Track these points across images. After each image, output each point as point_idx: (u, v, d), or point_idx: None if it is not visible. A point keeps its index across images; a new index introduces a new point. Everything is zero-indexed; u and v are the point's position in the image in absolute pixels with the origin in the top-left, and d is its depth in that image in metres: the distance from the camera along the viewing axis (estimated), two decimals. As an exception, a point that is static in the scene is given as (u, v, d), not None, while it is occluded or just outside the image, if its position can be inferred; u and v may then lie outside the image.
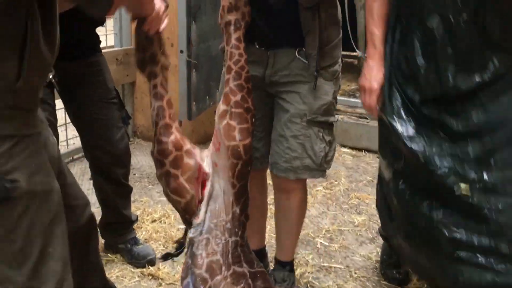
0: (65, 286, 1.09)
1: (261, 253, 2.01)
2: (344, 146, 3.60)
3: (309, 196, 2.80)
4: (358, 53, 4.90)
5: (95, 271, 1.54)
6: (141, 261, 2.07)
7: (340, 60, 1.70)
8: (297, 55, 1.60)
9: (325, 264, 2.18)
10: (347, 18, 4.65)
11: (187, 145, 1.46)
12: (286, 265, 1.92)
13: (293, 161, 1.68)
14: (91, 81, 1.89)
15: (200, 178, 1.49)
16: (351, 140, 3.61)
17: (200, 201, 1.47)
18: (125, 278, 2.01)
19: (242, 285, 1.42)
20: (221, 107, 1.46)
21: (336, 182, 3.02)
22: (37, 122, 1.11)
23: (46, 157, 1.11)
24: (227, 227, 1.46)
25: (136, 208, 2.52)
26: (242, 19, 1.48)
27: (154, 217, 2.47)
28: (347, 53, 5.98)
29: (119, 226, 2.10)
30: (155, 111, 1.43)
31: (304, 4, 1.51)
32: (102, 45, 3.52)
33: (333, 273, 2.12)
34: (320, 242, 2.35)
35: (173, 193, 1.43)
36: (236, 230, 1.47)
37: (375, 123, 3.55)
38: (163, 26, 1.36)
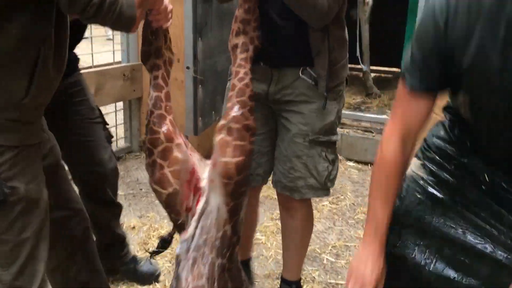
0: (46, 285, 1.17)
1: (245, 265, 1.98)
2: (350, 160, 3.60)
3: (315, 211, 2.79)
4: (362, 67, 4.92)
5: (97, 273, 1.58)
6: (148, 279, 2.05)
7: (345, 80, 1.71)
8: (301, 74, 1.60)
9: (332, 281, 2.16)
10: (358, 32, 4.72)
11: (179, 140, 1.44)
12: (292, 284, 1.90)
13: (297, 181, 1.68)
14: (74, 101, 1.81)
15: (193, 183, 1.46)
16: (357, 154, 3.61)
17: (191, 213, 1.44)
18: (132, 294, 2.01)
19: None
20: (221, 121, 1.43)
21: (342, 197, 3.02)
22: (39, 132, 1.19)
23: (41, 166, 1.19)
24: (216, 244, 1.40)
25: (142, 224, 2.53)
26: (251, 43, 1.49)
27: (160, 232, 2.47)
28: (352, 65, 6.02)
29: (117, 247, 2.05)
30: (152, 100, 1.43)
31: (315, 26, 1.52)
32: (109, 60, 3.59)
33: (340, 289, 2.11)
34: (327, 258, 2.34)
35: (156, 183, 1.41)
36: (224, 251, 1.40)
37: (380, 137, 3.57)
38: (168, 23, 1.42)
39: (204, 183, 1.47)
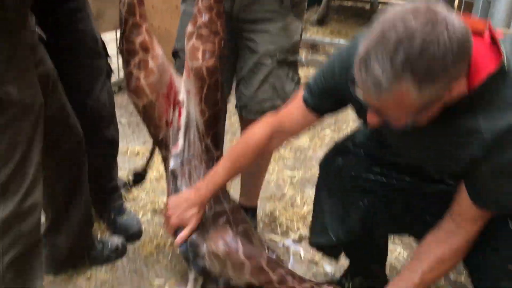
0: (37, 187, 1.20)
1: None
2: (353, 91, 3.59)
3: (316, 139, 2.84)
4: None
5: (83, 196, 1.58)
6: (122, 234, 1.84)
7: None
8: None
9: (331, 203, 2.23)
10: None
11: (156, 51, 1.41)
12: (249, 211, 1.87)
13: (263, 103, 1.62)
14: (74, 29, 1.60)
15: (171, 96, 1.46)
16: (360, 85, 3.59)
17: (172, 127, 1.47)
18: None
19: (224, 220, 1.43)
20: (189, 28, 1.40)
21: (344, 126, 3.04)
22: (31, 30, 1.17)
23: (35, 72, 1.19)
24: (204, 157, 1.43)
25: (146, 150, 2.54)
26: None
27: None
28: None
29: (101, 191, 1.85)
30: (125, 7, 1.36)
31: None
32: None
33: (339, 211, 2.18)
34: (327, 183, 2.40)
35: (132, 92, 1.42)
36: (211, 164, 1.44)
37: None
38: None
39: (182, 96, 1.46)
